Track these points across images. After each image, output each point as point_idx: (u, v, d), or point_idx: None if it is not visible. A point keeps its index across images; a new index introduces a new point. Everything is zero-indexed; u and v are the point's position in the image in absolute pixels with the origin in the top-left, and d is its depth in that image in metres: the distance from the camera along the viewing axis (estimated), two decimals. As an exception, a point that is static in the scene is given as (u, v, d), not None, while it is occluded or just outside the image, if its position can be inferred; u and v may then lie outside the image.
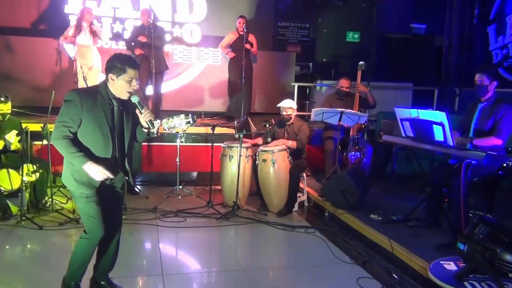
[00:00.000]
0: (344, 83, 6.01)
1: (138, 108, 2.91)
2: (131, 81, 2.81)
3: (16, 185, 4.81)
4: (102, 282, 3.18)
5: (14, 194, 4.94)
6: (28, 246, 4.14)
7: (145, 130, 2.98)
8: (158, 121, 5.61)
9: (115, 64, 2.80)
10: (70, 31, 6.65)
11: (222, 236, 4.69)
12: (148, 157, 6.34)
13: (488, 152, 3.54)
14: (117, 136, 2.89)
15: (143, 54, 6.72)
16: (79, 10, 6.90)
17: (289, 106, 5.49)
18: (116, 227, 3.10)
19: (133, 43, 6.96)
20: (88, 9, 6.80)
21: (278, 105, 5.58)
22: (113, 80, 2.81)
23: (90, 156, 2.77)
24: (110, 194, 2.98)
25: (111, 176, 2.81)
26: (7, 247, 4.07)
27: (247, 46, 7.06)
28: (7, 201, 4.79)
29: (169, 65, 7.30)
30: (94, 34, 6.66)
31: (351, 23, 10.62)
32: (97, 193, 2.86)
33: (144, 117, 2.90)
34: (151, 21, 6.68)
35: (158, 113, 6.92)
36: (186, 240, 4.57)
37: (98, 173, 2.73)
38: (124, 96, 2.85)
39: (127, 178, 3.06)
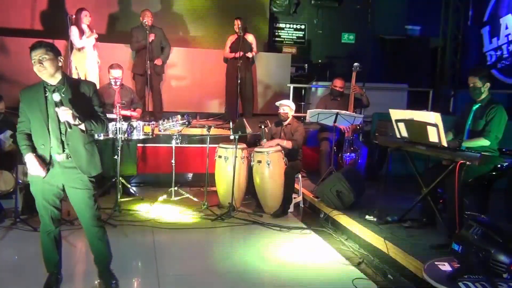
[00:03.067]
0: (338, 83, 6.03)
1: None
2: (34, 63, 2.88)
3: (10, 186, 4.79)
4: (104, 273, 3.33)
5: (8, 195, 4.92)
6: (23, 248, 4.12)
7: (81, 128, 2.97)
8: (153, 122, 5.61)
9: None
10: (75, 36, 6.54)
11: (218, 237, 4.68)
12: (143, 159, 6.32)
13: (482, 153, 3.56)
14: (52, 124, 2.94)
15: (141, 56, 6.74)
16: (76, 12, 6.74)
17: (286, 104, 5.51)
18: (87, 224, 3.17)
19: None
20: (85, 11, 6.67)
21: (276, 103, 5.60)
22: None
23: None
24: (71, 193, 3.09)
25: (42, 175, 2.94)
26: (1, 249, 4.05)
27: (248, 54, 7.13)
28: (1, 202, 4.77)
29: (166, 66, 7.30)
30: (90, 36, 6.59)
31: (347, 24, 10.65)
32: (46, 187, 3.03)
33: (60, 116, 2.88)
34: (146, 23, 6.67)
35: (158, 115, 6.91)
36: (181, 242, 4.56)
37: (32, 167, 2.93)
38: (44, 78, 2.92)
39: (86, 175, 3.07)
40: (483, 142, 3.89)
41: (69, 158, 3.00)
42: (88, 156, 3.06)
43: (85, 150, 3.05)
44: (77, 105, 2.93)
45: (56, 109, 2.86)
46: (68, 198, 3.14)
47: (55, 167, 3.00)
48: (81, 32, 6.52)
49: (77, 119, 2.89)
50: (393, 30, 10.57)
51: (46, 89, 2.94)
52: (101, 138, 5.27)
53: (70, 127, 2.89)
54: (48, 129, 2.94)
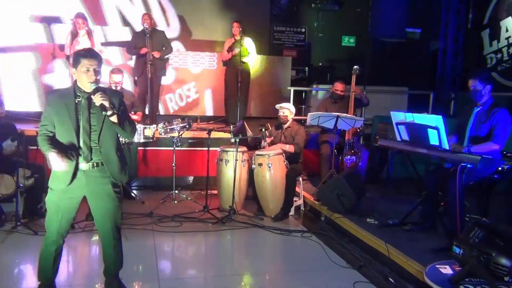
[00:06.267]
0: (338, 87, 6.03)
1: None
2: (87, 71, 2.85)
3: (11, 190, 4.79)
4: (114, 282, 3.23)
5: (9, 199, 4.92)
6: (23, 251, 4.12)
7: (113, 120, 2.90)
8: (154, 125, 5.62)
9: (73, 57, 2.94)
10: (68, 40, 6.56)
11: (219, 240, 4.68)
12: (144, 162, 6.33)
13: (483, 156, 3.55)
14: (83, 130, 2.90)
15: (143, 58, 6.73)
16: (74, 16, 6.77)
17: (286, 107, 5.52)
18: (107, 235, 3.10)
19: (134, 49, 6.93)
20: (80, 14, 6.66)
21: (276, 106, 5.60)
22: (74, 74, 2.92)
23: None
24: (94, 204, 3.04)
25: (64, 168, 2.83)
26: (2, 252, 4.05)
27: (244, 59, 7.04)
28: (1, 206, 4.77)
29: (165, 70, 7.30)
30: (90, 39, 6.60)
31: (347, 27, 10.68)
32: (67, 197, 2.94)
33: (95, 100, 2.85)
34: (147, 26, 6.67)
35: (154, 118, 6.93)
36: (182, 245, 4.56)
37: (56, 163, 2.81)
38: (88, 87, 2.88)
39: (115, 183, 3.03)
40: (493, 146, 3.85)
41: (95, 167, 2.96)
42: (120, 163, 3.04)
43: (117, 157, 3.02)
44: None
45: (96, 94, 2.83)
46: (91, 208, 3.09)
47: (79, 176, 2.93)
48: (76, 36, 6.53)
49: (113, 108, 2.86)
50: (393, 33, 10.59)
51: (79, 95, 2.91)
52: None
53: (105, 110, 2.84)
54: (77, 135, 2.88)
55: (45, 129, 2.92)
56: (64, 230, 3.02)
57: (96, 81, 2.88)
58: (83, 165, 2.93)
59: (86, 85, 2.88)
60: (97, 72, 2.88)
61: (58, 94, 2.98)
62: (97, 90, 2.86)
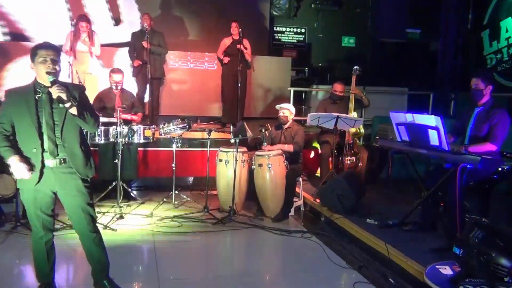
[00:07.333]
0: (338, 88, 6.03)
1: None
2: (44, 61, 2.82)
3: (11, 190, 4.79)
4: (105, 282, 3.18)
5: (9, 199, 4.92)
6: (22, 252, 4.11)
7: (72, 112, 2.85)
8: (154, 126, 5.62)
9: (31, 52, 2.88)
10: (68, 44, 6.46)
11: (218, 241, 4.68)
12: (144, 162, 6.32)
13: (483, 156, 3.55)
14: (47, 126, 2.87)
15: (142, 60, 6.72)
16: (77, 17, 6.71)
17: (286, 107, 5.52)
18: (84, 231, 3.07)
19: (135, 53, 6.90)
20: (84, 17, 6.64)
21: (276, 107, 5.61)
22: (33, 68, 2.89)
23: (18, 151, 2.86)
24: (66, 200, 3.01)
25: (26, 177, 2.82)
26: (2, 252, 4.05)
27: (239, 46, 6.97)
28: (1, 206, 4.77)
29: (166, 70, 7.30)
30: (91, 40, 6.58)
31: (347, 27, 10.68)
32: (40, 190, 2.93)
33: (52, 92, 2.81)
34: (146, 26, 6.67)
35: (154, 118, 6.93)
36: (182, 246, 4.56)
37: (17, 170, 2.80)
38: (47, 81, 2.83)
39: (84, 178, 3.00)
40: (490, 147, 3.86)
41: (62, 164, 2.93)
42: (84, 157, 3.00)
43: (81, 151, 2.98)
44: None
45: (50, 89, 2.79)
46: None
47: (47, 173, 2.90)
48: (78, 37, 6.51)
49: (71, 100, 2.81)
50: (393, 34, 10.60)
51: (38, 90, 2.88)
52: (102, 142, 5.29)
53: (63, 103, 2.80)
54: (40, 132, 2.85)
55: (2, 127, 2.86)
56: (49, 223, 3.02)
57: (55, 72, 2.85)
58: (50, 162, 2.90)
59: (45, 78, 2.83)
60: (54, 62, 2.85)
61: (18, 91, 2.92)
62: (55, 82, 2.82)
